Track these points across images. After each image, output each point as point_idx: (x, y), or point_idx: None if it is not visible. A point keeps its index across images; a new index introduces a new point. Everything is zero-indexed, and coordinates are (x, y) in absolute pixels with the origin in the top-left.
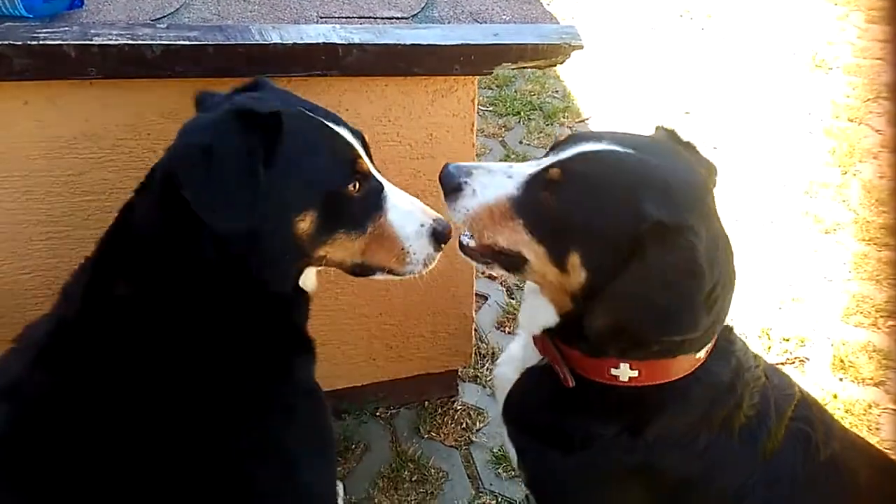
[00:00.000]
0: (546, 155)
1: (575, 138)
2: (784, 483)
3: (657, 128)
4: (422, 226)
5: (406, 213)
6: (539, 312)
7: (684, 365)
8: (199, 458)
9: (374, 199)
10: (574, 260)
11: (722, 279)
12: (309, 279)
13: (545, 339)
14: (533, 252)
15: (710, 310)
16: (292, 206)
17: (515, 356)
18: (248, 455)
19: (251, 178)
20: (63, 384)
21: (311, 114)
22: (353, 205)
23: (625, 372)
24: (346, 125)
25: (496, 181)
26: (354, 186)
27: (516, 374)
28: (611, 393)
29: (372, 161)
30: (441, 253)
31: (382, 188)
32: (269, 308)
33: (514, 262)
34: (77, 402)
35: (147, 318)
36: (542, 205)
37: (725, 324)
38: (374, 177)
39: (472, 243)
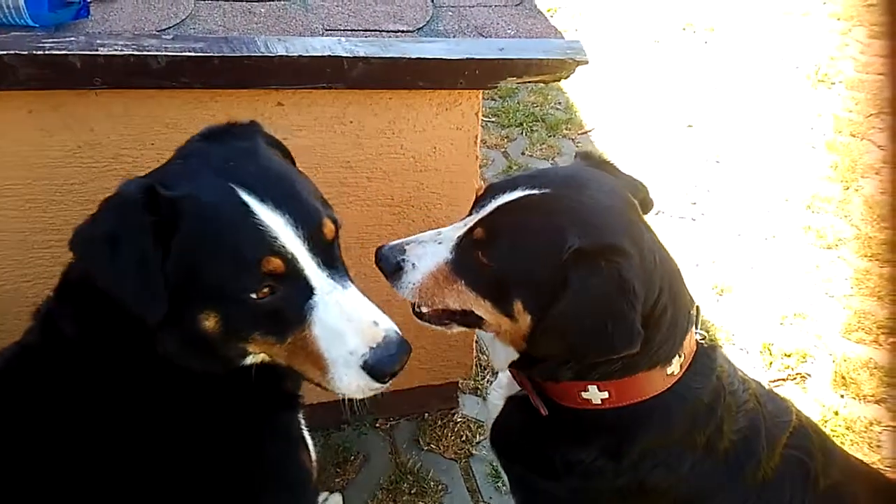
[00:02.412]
0: (470, 213)
1: (492, 190)
2: None
3: (575, 155)
4: (351, 354)
5: (335, 333)
6: (501, 353)
7: (656, 382)
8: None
9: (296, 306)
10: (518, 307)
11: (667, 293)
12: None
13: (517, 372)
14: (482, 308)
15: (659, 324)
16: (193, 302)
17: (503, 383)
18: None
19: (144, 267)
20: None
21: (232, 197)
22: (264, 311)
23: (595, 394)
24: (294, 206)
25: (429, 250)
26: (264, 292)
27: (502, 402)
28: (585, 418)
29: (320, 250)
30: (385, 385)
31: (312, 293)
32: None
33: (470, 320)
34: (18, 428)
35: (89, 364)
36: (476, 264)
37: (710, 343)
38: (302, 278)
39: (426, 310)
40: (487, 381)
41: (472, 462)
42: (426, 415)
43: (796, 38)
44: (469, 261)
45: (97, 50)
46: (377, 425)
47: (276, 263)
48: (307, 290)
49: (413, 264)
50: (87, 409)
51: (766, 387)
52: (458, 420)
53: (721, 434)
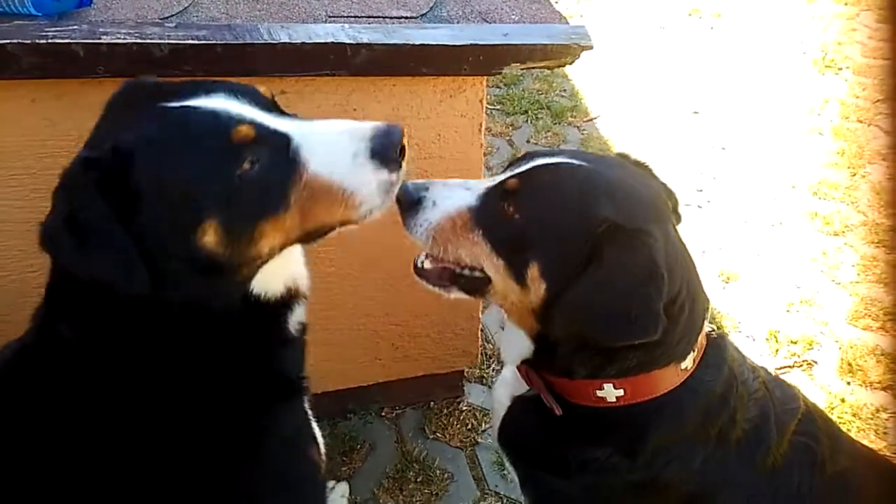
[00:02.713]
0: (504, 172)
1: (530, 155)
2: (790, 500)
3: (614, 155)
4: (356, 156)
5: (330, 153)
6: (514, 341)
7: (670, 378)
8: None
9: (283, 160)
10: (533, 272)
11: (686, 291)
12: (270, 281)
13: (529, 369)
14: (493, 267)
15: (677, 320)
16: (182, 230)
17: (508, 380)
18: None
19: (114, 236)
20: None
21: (170, 109)
22: (257, 184)
23: (610, 392)
24: (221, 87)
25: (455, 193)
26: (248, 164)
27: (509, 401)
28: (600, 416)
29: (276, 109)
30: (401, 171)
31: (288, 140)
32: (230, 354)
33: (476, 283)
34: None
35: (90, 365)
36: (500, 216)
37: (718, 333)
38: (271, 132)
39: (427, 265)
40: (493, 370)
41: (477, 450)
42: (432, 403)
43: (803, 24)
44: (493, 211)
45: (100, 38)
46: (383, 414)
47: (244, 130)
48: (283, 139)
49: (434, 202)
50: (84, 410)
51: (773, 373)
52: (464, 409)
53: (734, 424)
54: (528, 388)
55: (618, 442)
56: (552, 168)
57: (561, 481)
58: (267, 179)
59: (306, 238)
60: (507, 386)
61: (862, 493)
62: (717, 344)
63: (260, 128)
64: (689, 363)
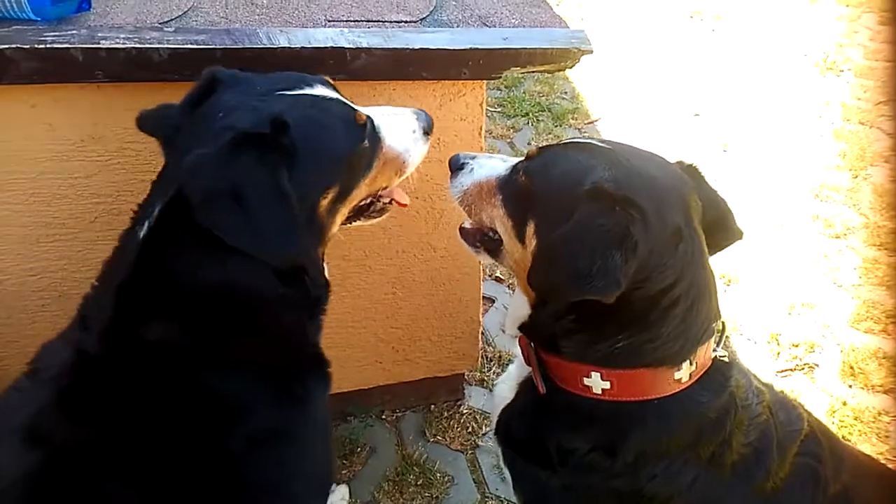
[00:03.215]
0: None
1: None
2: None
3: (680, 163)
4: (415, 132)
5: (399, 130)
6: (516, 306)
7: (660, 383)
8: (218, 491)
9: (373, 138)
10: (530, 230)
11: (686, 290)
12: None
13: (527, 345)
14: (503, 227)
15: (668, 313)
16: (315, 193)
17: (512, 374)
18: (260, 489)
19: (286, 204)
20: (90, 435)
21: (298, 94)
22: (364, 155)
23: (597, 382)
24: (318, 80)
25: (492, 164)
26: (365, 141)
27: (511, 393)
28: (583, 404)
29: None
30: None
31: (372, 121)
32: (292, 328)
33: (493, 244)
34: (104, 456)
35: (178, 363)
36: (516, 181)
37: (727, 360)
38: (367, 117)
39: (467, 225)
40: (494, 373)
41: (478, 454)
42: (432, 406)
43: (804, 26)
44: (513, 179)
45: (99, 43)
46: (383, 417)
47: (361, 115)
48: (371, 121)
49: (472, 169)
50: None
51: (779, 393)
52: (465, 412)
53: (730, 448)
54: (528, 370)
55: (598, 437)
56: (570, 142)
57: (547, 477)
58: (368, 151)
59: (356, 214)
60: (511, 379)
61: None
62: (721, 370)
63: (360, 112)
64: (684, 375)
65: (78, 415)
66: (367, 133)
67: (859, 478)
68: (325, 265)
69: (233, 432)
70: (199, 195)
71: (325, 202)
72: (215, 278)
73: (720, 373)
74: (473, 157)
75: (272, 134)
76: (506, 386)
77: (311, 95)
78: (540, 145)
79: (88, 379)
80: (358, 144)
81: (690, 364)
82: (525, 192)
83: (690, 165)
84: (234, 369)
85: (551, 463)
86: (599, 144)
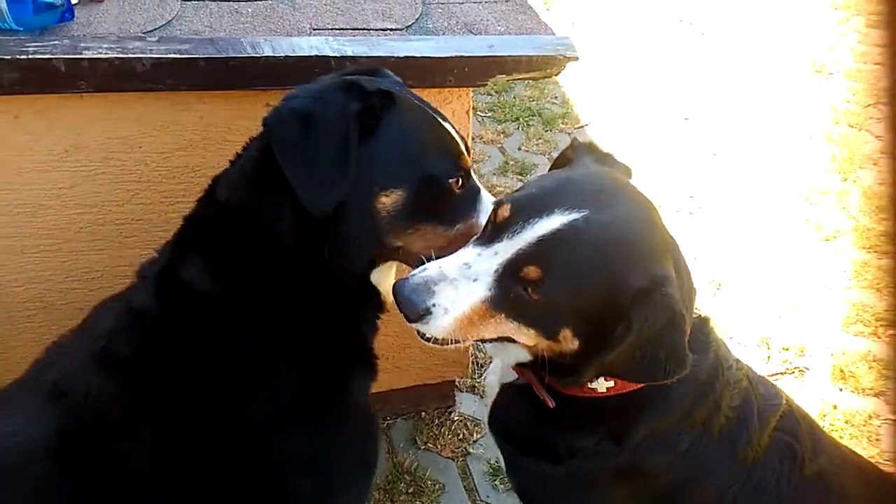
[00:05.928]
0: (494, 236)
1: (522, 213)
2: (767, 495)
3: (573, 144)
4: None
5: (484, 212)
6: (511, 353)
7: None
8: (241, 459)
9: (470, 200)
10: (566, 334)
11: (688, 291)
12: (384, 279)
13: (524, 371)
14: (524, 335)
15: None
16: (379, 180)
17: (496, 368)
18: (290, 464)
19: (343, 148)
20: (126, 387)
21: (423, 105)
22: (449, 199)
23: (601, 384)
24: (452, 125)
25: (462, 291)
26: (457, 182)
27: (498, 387)
28: (591, 405)
29: None
30: None
31: (479, 190)
32: (340, 313)
33: (501, 340)
34: (138, 403)
35: (223, 317)
36: (520, 299)
37: (701, 315)
38: (472, 180)
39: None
40: (484, 380)
41: (469, 461)
42: (423, 414)
43: (793, 29)
44: (513, 296)
45: (81, 53)
46: None
47: (468, 162)
48: (476, 187)
49: (445, 309)
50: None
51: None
52: (456, 419)
53: (719, 411)
54: (516, 377)
55: (608, 430)
56: (560, 238)
57: (547, 467)
58: (457, 202)
59: (418, 261)
60: (496, 374)
61: (841, 494)
62: (700, 328)
63: (470, 171)
64: None
65: (115, 369)
66: (465, 181)
67: (838, 466)
68: (384, 273)
69: (256, 401)
70: (283, 106)
71: (385, 200)
72: (258, 219)
73: (699, 332)
74: (432, 293)
75: (372, 95)
76: (495, 377)
77: (434, 116)
78: (517, 248)
79: (129, 335)
80: (446, 173)
81: None
82: (542, 307)
83: (601, 152)
84: (270, 338)
85: (559, 458)
86: (577, 220)
